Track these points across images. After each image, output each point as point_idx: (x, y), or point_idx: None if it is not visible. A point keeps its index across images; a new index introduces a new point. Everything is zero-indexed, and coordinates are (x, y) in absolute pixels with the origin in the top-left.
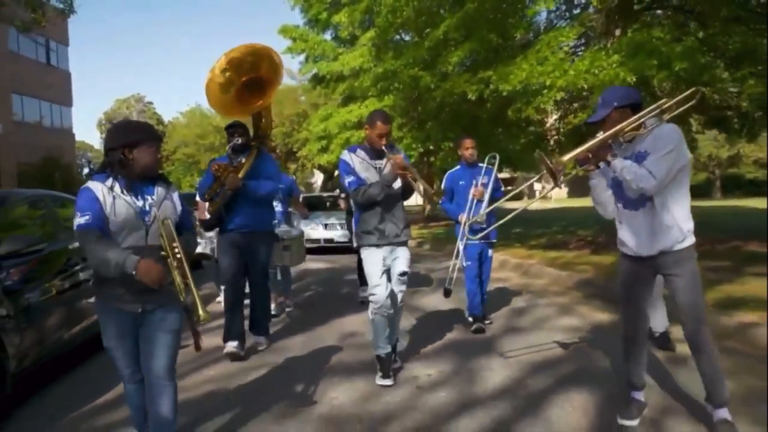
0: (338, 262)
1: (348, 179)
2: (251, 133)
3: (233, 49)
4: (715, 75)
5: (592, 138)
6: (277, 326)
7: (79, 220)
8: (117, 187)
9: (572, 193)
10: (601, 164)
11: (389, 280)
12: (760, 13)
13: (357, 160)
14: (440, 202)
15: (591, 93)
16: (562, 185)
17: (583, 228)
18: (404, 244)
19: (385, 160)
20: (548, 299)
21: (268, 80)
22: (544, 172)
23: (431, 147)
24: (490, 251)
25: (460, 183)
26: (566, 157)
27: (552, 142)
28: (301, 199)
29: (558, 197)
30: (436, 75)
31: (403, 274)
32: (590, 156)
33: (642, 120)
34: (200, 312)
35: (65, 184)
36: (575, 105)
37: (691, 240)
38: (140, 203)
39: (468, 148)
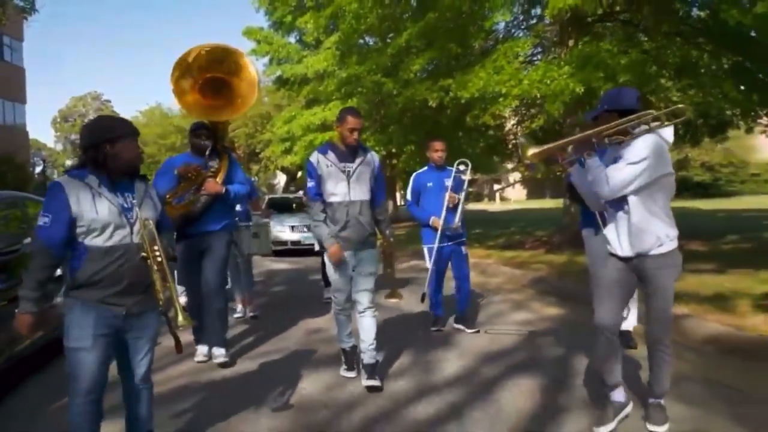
0: (302, 263)
1: (309, 183)
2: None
3: (218, 44)
4: (660, 84)
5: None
6: (244, 325)
7: (40, 219)
8: (99, 185)
9: (531, 195)
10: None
11: (353, 284)
12: (699, 29)
13: (324, 164)
14: (407, 205)
15: (544, 101)
16: (522, 186)
17: (539, 229)
18: (370, 249)
19: (355, 164)
20: (503, 296)
21: (238, 90)
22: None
23: (394, 150)
24: (463, 248)
25: (428, 185)
26: (551, 145)
27: (510, 146)
28: (266, 201)
29: (517, 199)
30: (399, 81)
31: (369, 273)
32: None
33: (622, 126)
34: (180, 318)
35: (18, 184)
36: (532, 111)
37: (670, 246)
38: (121, 200)
39: (437, 151)
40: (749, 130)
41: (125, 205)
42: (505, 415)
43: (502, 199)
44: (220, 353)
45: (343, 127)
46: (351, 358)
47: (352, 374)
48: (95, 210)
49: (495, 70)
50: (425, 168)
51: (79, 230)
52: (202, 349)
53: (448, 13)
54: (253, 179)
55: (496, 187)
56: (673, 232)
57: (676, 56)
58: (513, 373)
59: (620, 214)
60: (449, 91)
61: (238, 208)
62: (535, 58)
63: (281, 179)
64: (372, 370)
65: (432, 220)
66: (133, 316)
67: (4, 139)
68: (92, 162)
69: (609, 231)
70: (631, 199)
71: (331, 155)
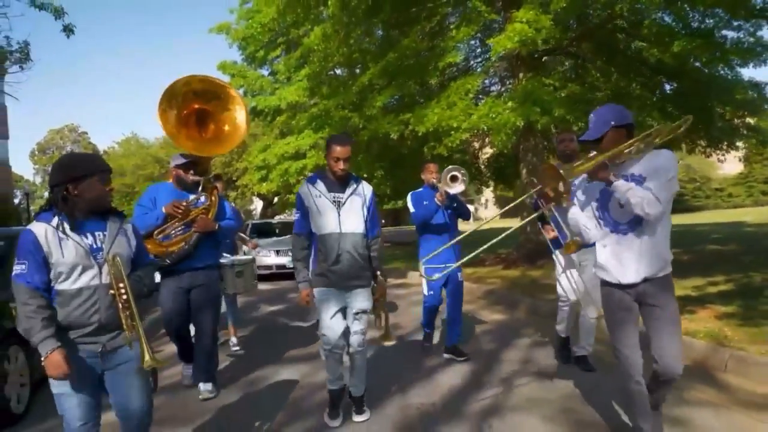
0: (282, 284)
1: (295, 215)
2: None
3: (212, 78)
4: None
5: (587, 158)
6: (230, 357)
7: (15, 268)
8: (64, 226)
9: (505, 214)
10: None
11: (344, 317)
12: (638, 60)
13: (314, 194)
14: (414, 216)
15: (490, 133)
16: (496, 206)
17: (503, 247)
18: (364, 286)
19: (346, 194)
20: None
21: (227, 128)
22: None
23: (365, 175)
24: (459, 275)
25: (424, 203)
26: (589, 164)
27: (473, 170)
28: (249, 227)
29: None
30: (363, 116)
31: (360, 312)
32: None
33: (641, 143)
34: (146, 358)
35: (2, 219)
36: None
37: (670, 268)
38: (89, 241)
39: (432, 173)
40: (691, 151)
41: (94, 246)
42: (439, 389)
43: (476, 218)
44: (206, 388)
45: (329, 156)
46: (338, 401)
47: (335, 423)
48: (61, 253)
49: (448, 106)
50: (421, 189)
51: (50, 274)
52: (206, 387)
53: (407, 52)
54: (232, 204)
55: (470, 207)
56: (671, 255)
57: (608, 88)
58: (452, 361)
59: (628, 237)
60: (408, 125)
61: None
62: (492, 89)
63: (258, 205)
64: (359, 403)
65: (438, 196)
66: (111, 352)
67: None
68: (57, 202)
69: (609, 259)
70: (649, 220)
71: (320, 185)
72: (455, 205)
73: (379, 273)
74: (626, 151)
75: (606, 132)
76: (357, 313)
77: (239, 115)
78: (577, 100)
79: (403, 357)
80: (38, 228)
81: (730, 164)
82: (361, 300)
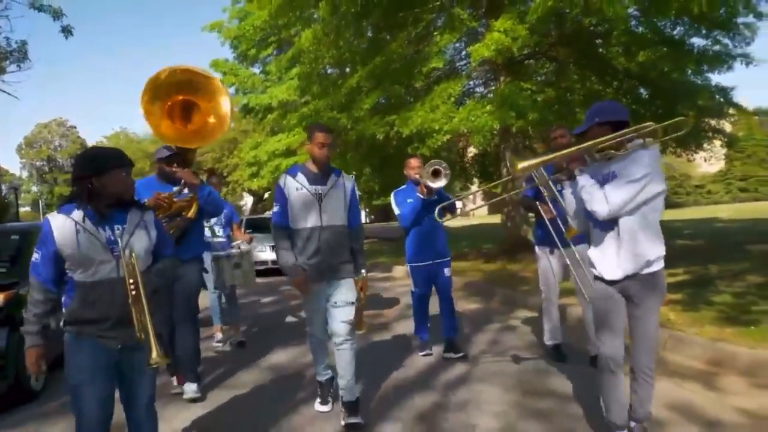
0: (277, 278)
1: (275, 208)
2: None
3: (194, 68)
4: (575, 118)
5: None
6: (225, 353)
7: (33, 255)
8: (84, 219)
9: (492, 210)
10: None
11: (328, 310)
12: (607, 64)
13: (293, 186)
14: (401, 217)
15: (469, 135)
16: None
17: (487, 242)
18: (346, 278)
19: (327, 187)
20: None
21: (209, 119)
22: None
23: (354, 173)
24: (446, 270)
25: (408, 201)
26: (540, 159)
27: (458, 168)
28: (243, 222)
29: (479, 214)
30: (351, 118)
31: (345, 304)
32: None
33: (619, 139)
34: (153, 354)
35: None
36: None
37: (658, 266)
38: (108, 233)
39: (413, 168)
40: (662, 151)
41: (112, 238)
42: (413, 367)
43: (465, 213)
44: (190, 389)
45: (312, 143)
46: (326, 391)
47: (326, 408)
48: (77, 245)
49: (431, 109)
50: (404, 186)
51: (66, 265)
52: (191, 387)
53: (394, 56)
54: (230, 204)
55: (458, 204)
56: (662, 251)
57: (582, 92)
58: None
59: (608, 234)
60: (394, 126)
61: (220, 233)
62: (477, 90)
63: (248, 201)
64: (352, 408)
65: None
66: (131, 348)
67: None
68: (79, 195)
69: (594, 252)
70: (623, 218)
71: (300, 177)
72: (439, 198)
73: (363, 271)
74: (603, 146)
75: (590, 127)
76: (343, 305)
77: (223, 106)
78: (552, 104)
79: (383, 343)
80: (55, 219)
81: (710, 162)
82: (344, 291)
